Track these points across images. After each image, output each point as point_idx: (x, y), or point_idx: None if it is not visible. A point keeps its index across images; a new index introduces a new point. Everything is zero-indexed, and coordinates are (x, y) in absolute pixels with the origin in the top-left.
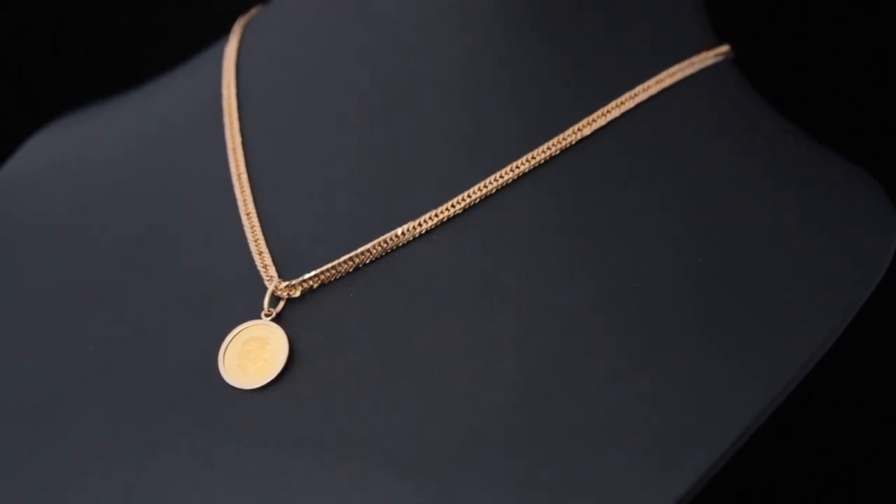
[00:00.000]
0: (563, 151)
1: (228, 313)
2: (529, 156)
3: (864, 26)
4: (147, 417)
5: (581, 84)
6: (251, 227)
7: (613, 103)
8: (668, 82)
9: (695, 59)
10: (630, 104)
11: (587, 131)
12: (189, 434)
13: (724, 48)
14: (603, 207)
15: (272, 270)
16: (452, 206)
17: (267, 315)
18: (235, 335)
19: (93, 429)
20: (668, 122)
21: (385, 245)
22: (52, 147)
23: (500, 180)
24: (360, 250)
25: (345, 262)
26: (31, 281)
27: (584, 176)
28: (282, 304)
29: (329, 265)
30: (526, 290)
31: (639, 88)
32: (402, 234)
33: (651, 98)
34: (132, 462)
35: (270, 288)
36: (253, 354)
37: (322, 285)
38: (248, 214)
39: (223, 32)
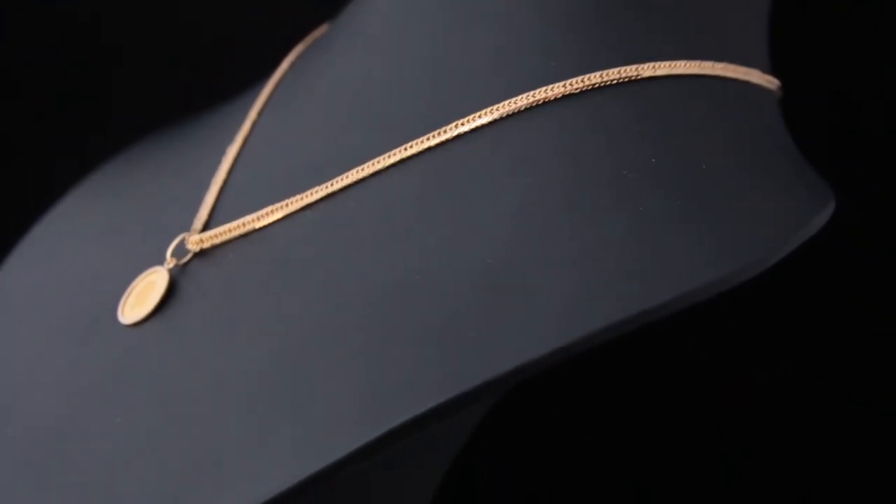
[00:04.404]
0: (437, 146)
1: (157, 261)
2: (407, 145)
3: (865, 26)
4: (53, 341)
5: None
6: (211, 192)
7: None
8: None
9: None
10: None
11: (466, 128)
12: (73, 355)
13: (737, 68)
14: (439, 204)
15: (197, 228)
16: (332, 183)
17: (168, 264)
18: (141, 278)
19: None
20: (582, 122)
21: (270, 215)
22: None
23: (379, 164)
24: (248, 217)
25: (237, 226)
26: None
27: (446, 170)
28: (189, 256)
29: (223, 227)
30: (321, 279)
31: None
32: (285, 206)
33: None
34: (24, 375)
35: (176, 241)
36: (143, 296)
37: (223, 244)
38: (214, 183)
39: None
